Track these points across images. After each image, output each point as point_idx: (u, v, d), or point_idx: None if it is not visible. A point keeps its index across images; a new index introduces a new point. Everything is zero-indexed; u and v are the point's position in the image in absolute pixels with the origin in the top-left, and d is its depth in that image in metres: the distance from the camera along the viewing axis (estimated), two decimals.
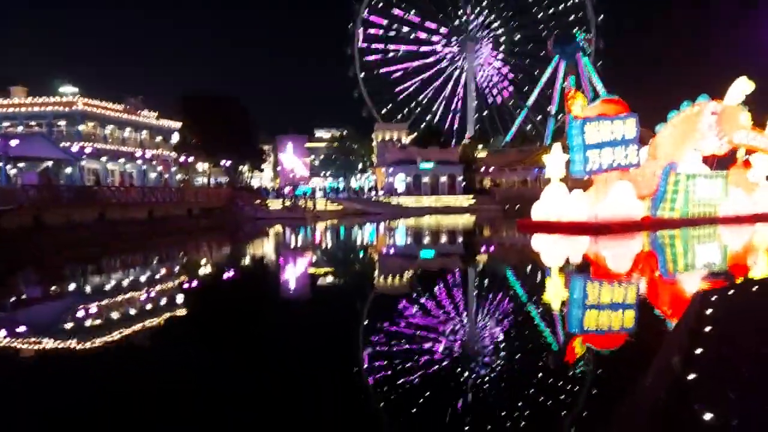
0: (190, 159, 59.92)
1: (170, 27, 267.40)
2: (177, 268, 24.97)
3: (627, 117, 36.14)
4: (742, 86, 38.74)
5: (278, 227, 51.46)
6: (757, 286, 11.04)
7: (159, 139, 58.69)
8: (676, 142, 38.72)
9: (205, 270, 24.23)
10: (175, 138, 61.04)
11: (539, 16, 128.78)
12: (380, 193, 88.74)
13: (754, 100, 40.09)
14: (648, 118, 40.68)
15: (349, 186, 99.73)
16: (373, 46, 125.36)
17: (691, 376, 4.90)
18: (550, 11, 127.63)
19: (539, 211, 37.22)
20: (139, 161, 54.81)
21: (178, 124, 60.74)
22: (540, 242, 31.95)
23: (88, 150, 47.45)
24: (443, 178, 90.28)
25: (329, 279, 21.04)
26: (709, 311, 7.98)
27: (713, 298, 9.08)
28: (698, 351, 5.73)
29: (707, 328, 6.84)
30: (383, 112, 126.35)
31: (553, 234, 34.17)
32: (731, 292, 10.20)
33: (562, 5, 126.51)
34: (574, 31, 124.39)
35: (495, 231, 45.62)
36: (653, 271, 19.70)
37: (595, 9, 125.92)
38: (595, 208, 34.73)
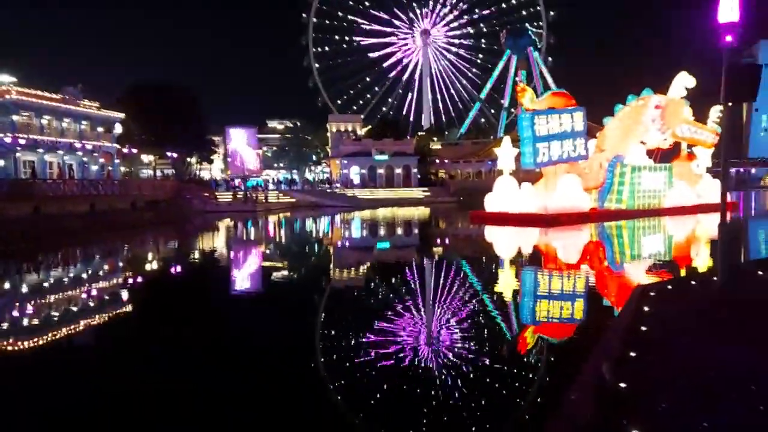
0: (134, 150, 57.52)
1: (123, 17, 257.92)
2: (115, 264, 23.81)
3: (575, 110, 36.54)
4: (684, 81, 39.78)
5: (228, 220, 50.24)
6: (693, 281, 11.04)
7: (101, 130, 56.12)
8: (622, 135, 39.46)
9: (143, 266, 23.20)
10: (119, 129, 58.57)
11: (493, 10, 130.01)
12: (335, 185, 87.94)
13: (696, 95, 41.25)
14: (598, 112, 41.41)
15: (304, 178, 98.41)
16: (328, 36, 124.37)
17: (622, 385, 4.63)
18: (503, 5, 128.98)
19: (491, 203, 37.39)
20: (80, 153, 52.39)
21: (121, 115, 58.22)
22: (492, 234, 32.18)
23: (22, 141, 44.98)
24: (398, 170, 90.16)
25: (276, 274, 20.45)
26: (645, 308, 7.83)
27: (651, 294, 8.98)
28: (631, 355, 5.49)
29: (642, 328, 6.65)
30: (339, 102, 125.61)
31: (504, 225, 34.40)
32: (669, 287, 10.14)
33: (515, 0, 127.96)
34: (526, 25, 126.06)
35: (449, 223, 45.69)
36: (600, 261, 19.91)
37: (547, 5, 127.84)
38: (545, 200, 35.08)
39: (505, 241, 28.90)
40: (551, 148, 35.48)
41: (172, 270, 22.17)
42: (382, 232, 38.31)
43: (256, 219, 50.59)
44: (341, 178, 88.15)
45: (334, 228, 43.38)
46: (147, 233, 39.53)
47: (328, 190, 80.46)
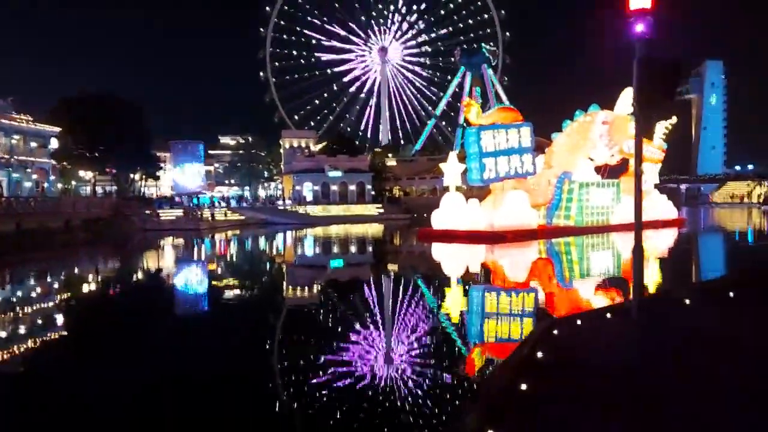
0: (68, 166, 54.49)
1: (65, 23, 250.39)
2: (31, 289, 21.60)
3: (522, 125, 36.10)
4: (630, 97, 39.80)
5: (169, 239, 47.84)
6: (610, 313, 9.88)
7: (34, 145, 53.06)
8: (570, 151, 39.22)
9: (62, 290, 21.11)
10: (55, 144, 55.46)
11: (450, 29, 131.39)
12: (287, 202, 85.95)
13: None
14: (551, 129, 41.09)
15: (256, 195, 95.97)
16: (286, 51, 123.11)
17: None
18: (460, 25, 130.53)
19: (438, 221, 36.43)
20: (10, 169, 49.24)
21: (56, 129, 55.15)
22: (437, 252, 31.20)
23: None
24: (352, 187, 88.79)
25: (205, 298, 18.85)
26: (537, 355, 6.68)
27: (553, 333, 7.86)
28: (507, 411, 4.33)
29: (522, 386, 5.46)
30: (296, 118, 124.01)
31: (451, 243, 33.45)
32: (578, 322, 8.99)
33: (472, 21, 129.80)
34: (482, 43, 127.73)
35: (396, 240, 44.55)
36: (540, 280, 18.96)
37: (503, 26, 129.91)
38: (492, 216, 34.31)
39: (444, 259, 28.28)
40: (498, 164, 34.85)
41: (87, 292, 20.16)
42: (326, 250, 36.86)
43: (199, 238, 48.36)
44: (294, 195, 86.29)
45: (275, 246, 41.69)
46: (78, 253, 37.00)
47: (280, 207, 78.47)
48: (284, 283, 22.82)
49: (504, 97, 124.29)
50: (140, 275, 26.45)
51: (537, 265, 24.05)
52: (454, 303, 16.16)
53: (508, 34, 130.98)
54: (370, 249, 37.81)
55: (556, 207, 38.26)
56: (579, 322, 8.84)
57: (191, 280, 24.09)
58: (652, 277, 18.25)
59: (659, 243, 32.64)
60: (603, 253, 29.01)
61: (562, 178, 38.40)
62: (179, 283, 22.95)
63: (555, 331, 8.04)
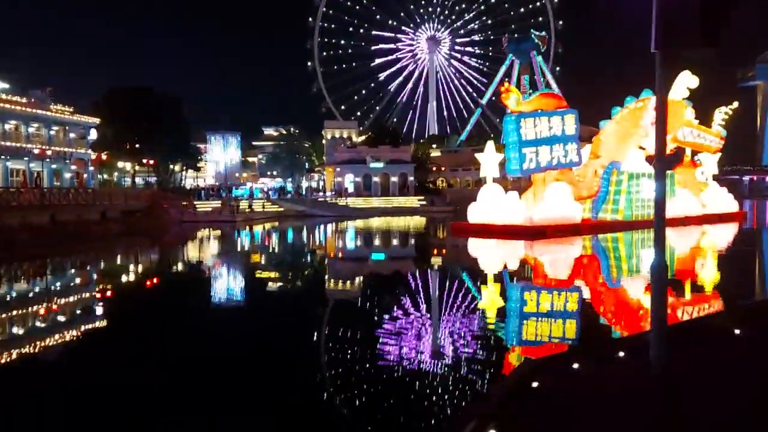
0: (103, 157, 54.73)
1: (113, 18, 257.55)
2: (58, 284, 20.86)
3: (566, 112, 33.49)
4: (686, 80, 36.64)
5: (205, 231, 47.35)
6: (623, 351, 7.59)
7: (74, 136, 53.48)
8: (620, 140, 36.32)
9: (100, 281, 20.30)
10: (94, 135, 55.86)
11: (501, 19, 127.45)
12: (328, 193, 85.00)
13: (700, 96, 38.07)
14: (599, 118, 38.23)
15: (298, 186, 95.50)
16: (334, 40, 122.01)
17: None
18: (512, 14, 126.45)
19: (474, 214, 34.32)
20: (49, 160, 49.75)
21: (95, 120, 55.47)
22: (473, 247, 29.23)
23: None
24: (394, 178, 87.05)
25: (238, 290, 18.12)
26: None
27: (532, 385, 5.84)
28: None
29: None
30: (342, 108, 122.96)
31: (488, 238, 31.34)
32: (570, 364, 6.86)
33: (523, 9, 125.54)
34: (531, 30, 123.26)
35: (433, 235, 42.62)
36: (577, 282, 16.73)
37: (556, 13, 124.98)
38: (531, 210, 31.92)
39: (478, 255, 26.57)
40: (539, 154, 32.38)
41: (121, 284, 19.19)
42: (360, 243, 35.40)
43: (233, 230, 47.69)
44: (335, 187, 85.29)
45: (306, 238, 40.46)
46: (114, 246, 36.67)
47: (319, 199, 77.51)
48: (307, 276, 21.36)
49: (554, 86, 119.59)
50: (177, 267, 26.17)
51: (572, 264, 21.73)
52: (484, 303, 14.62)
53: (561, 22, 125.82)
54: (400, 243, 36.00)
55: (603, 200, 35.48)
56: (570, 364, 6.74)
57: (222, 273, 23.11)
58: (695, 290, 15.15)
59: (714, 239, 29.64)
60: (652, 251, 26.19)
61: (610, 169, 35.57)
62: (212, 276, 22.36)
63: (534, 383, 6.02)
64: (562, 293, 15.42)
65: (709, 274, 18.31)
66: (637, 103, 36.51)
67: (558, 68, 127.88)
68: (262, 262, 27.89)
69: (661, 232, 6.39)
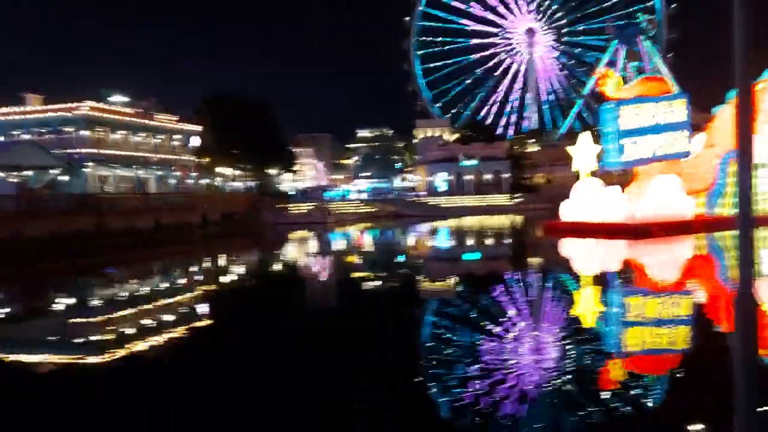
0: (205, 161, 57.33)
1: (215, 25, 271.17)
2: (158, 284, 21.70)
3: (674, 97, 30.51)
4: None
5: (299, 233, 48.17)
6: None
7: (177, 143, 56.52)
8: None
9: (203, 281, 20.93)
10: (196, 142, 58.78)
11: (604, 6, 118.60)
12: (421, 193, 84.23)
13: None
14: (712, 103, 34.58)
15: (392, 187, 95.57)
16: (430, 38, 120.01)
17: None
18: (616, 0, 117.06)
19: (568, 211, 32.05)
20: (155, 167, 52.81)
21: (198, 128, 58.39)
22: (566, 249, 27.12)
23: (90, 156, 45.59)
24: (487, 176, 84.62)
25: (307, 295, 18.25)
26: None
27: None
28: None
29: None
30: (439, 106, 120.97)
31: (583, 238, 29.01)
32: None
33: None
34: (638, 13, 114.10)
35: (523, 235, 40.56)
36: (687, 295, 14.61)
37: None
38: (633, 206, 29.15)
39: (574, 256, 24.52)
40: (642, 144, 29.55)
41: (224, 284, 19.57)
42: (449, 244, 34.32)
43: (324, 231, 48.15)
44: (427, 186, 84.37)
45: (395, 242, 39.78)
46: (209, 248, 38.15)
47: (411, 199, 76.89)
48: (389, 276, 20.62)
49: (665, 72, 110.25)
50: (278, 267, 27.82)
51: (693, 273, 19.30)
52: (580, 310, 13.23)
53: (672, 6, 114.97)
54: (489, 244, 34.35)
55: (719, 193, 31.81)
56: None
57: (322, 272, 23.96)
58: None
59: None
60: None
61: (726, 159, 31.78)
62: (309, 275, 23.26)
63: None
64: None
65: None
66: (757, 84, 32.47)
67: (671, 55, 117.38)
68: (358, 262, 27.92)
69: (747, 229, 4.68)
